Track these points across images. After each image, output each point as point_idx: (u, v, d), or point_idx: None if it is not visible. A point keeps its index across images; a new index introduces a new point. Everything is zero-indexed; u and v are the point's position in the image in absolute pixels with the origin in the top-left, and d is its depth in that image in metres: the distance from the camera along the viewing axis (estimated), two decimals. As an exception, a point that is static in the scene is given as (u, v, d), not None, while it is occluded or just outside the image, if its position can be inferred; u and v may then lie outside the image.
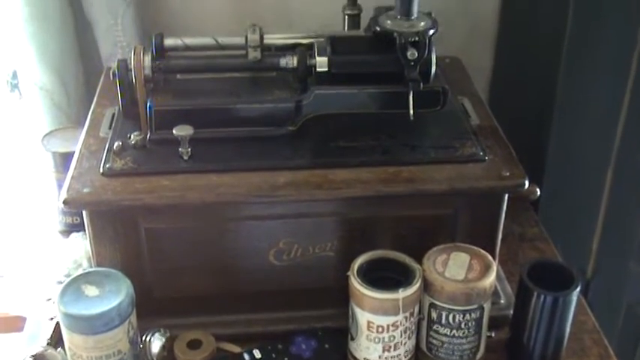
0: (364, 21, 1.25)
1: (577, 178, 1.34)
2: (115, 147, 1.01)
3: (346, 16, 1.28)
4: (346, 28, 1.28)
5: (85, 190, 0.95)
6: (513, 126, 1.40)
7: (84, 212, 0.98)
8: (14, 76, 1.33)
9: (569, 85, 1.25)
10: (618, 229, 1.38)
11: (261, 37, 1.06)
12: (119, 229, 0.98)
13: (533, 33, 1.36)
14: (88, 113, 1.16)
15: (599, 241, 1.39)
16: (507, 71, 1.52)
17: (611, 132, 1.29)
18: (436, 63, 1.07)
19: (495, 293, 1.09)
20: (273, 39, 1.10)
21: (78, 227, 1.19)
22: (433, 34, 1.06)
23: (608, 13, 1.19)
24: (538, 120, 1.34)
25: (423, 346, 1.01)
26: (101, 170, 0.98)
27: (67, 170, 1.01)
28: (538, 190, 1.19)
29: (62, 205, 0.95)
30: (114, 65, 1.05)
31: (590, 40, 1.21)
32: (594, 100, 1.27)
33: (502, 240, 1.06)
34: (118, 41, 1.34)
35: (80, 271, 1.04)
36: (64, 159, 1.16)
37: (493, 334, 1.05)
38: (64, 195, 0.95)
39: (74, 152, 1.05)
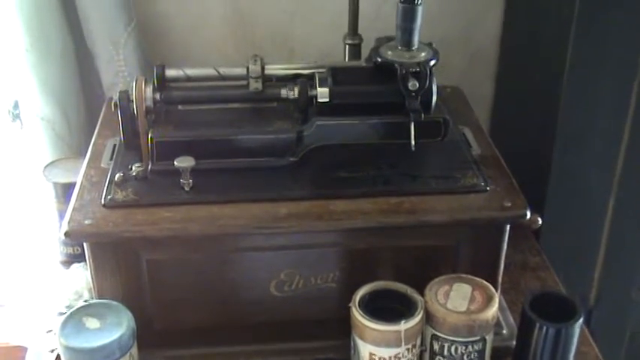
0: (364, 51, 1.26)
1: (579, 206, 1.34)
2: (116, 178, 1.01)
3: (347, 46, 1.29)
4: (347, 57, 1.29)
5: (87, 222, 0.95)
6: (515, 154, 1.41)
7: (85, 244, 0.98)
8: (16, 106, 1.33)
9: (571, 113, 1.25)
10: (620, 257, 1.38)
11: (263, 68, 1.07)
12: (120, 261, 0.98)
13: (534, 61, 1.37)
14: (89, 143, 1.16)
15: (601, 269, 1.39)
16: (508, 99, 1.53)
17: (613, 160, 1.29)
18: (437, 93, 1.07)
19: (498, 324, 1.08)
20: (274, 69, 1.10)
21: (79, 258, 1.19)
22: (434, 64, 1.06)
23: (609, 41, 1.20)
24: (539, 148, 1.34)
25: (426, 378, 1.00)
26: (102, 202, 0.98)
27: (69, 201, 1.01)
28: (540, 219, 1.18)
29: (63, 237, 0.95)
30: (115, 96, 1.05)
31: (592, 68, 1.22)
32: (596, 128, 1.27)
33: (504, 269, 1.06)
34: (119, 71, 1.34)
35: (81, 302, 1.04)
36: (66, 189, 1.16)
37: (496, 366, 1.04)
38: (65, 227, 0.94)
39: (75, 183, 1.05)
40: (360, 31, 1.31)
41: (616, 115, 1.26)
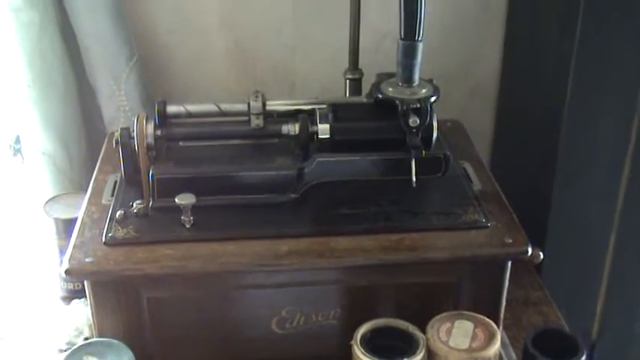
0: (365, 85, 1.26)
1: (580, 240, 1.34)
2: (117, 215, 1.01)
3: (347, 81, 1.29)
4: (347, 92, 1.30)
5: (87, 260, 0.95)
6: (515, 187, 1.41)
7: (86, 282, 0.98)
8: (17, 140, 1.33)
9: (571, 147, 1.26)
10: (622, 291, 1.38)
11: (264, 105, 1.07)
12: (121, 299, 0.98)
13: (534, 95, 1.37)
14: (90, 177, 1.16)
15: (603, 303, 1.39)
16: (509, 133, 1.53)
17: (614, 194, 1.29)
18: (437, 127, 1.07)
19: (500, 360, 1.08)
20: (275, 105, 1.10)
21: (80, 293, 1.18)
22: (435, 101, 1.06)
23: (609, 75, 1.20)
24: (540, 181, 1.34)
25: (428, 416, 1.00)
26: (103, 239, 0.98)
27: (70, 236, 1.01)
28: (541, 254, 1.18)
29: (64, 275, 0.95)
30: (117, 133, 1.05)
31: (592, 102, 1.22)
32: (596, 162, 1.27)
33: (506, 305, 1.06)
34: (120, 105, 1.35)
35: (81, 339, 1.03)
36: (67, 225, 1.16)
37: (498, 403, 1.04)
38: (65, 265, 0.94)
39: (76, 218, 1.05)
40: (360, 65, 1.31)
41: (616, 149, 1.26)
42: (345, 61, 1.31)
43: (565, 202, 1.29)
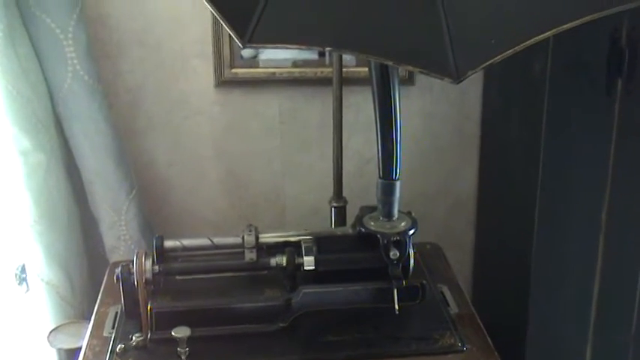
0: (349, 210, 1.34)
1: (558, 352, 1.39)
2: (117, 349, 1.08)
3: (332, 209, 1.38)
4: (333, 219, 1.38)
5: (88, 399, 1.01)
6: (496, 301, 1.48)
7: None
8: (22, 270, 1.39)
9: (543, 265, 1.33)
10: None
11: (257, 238, 1.16)
12: None
13: (508, 212, 1.45)
14: (92, 303, 1.23)
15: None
16: (488, 247, 1.61)
17: (586, 310, 1.36)
18: (417, 251, 1.16)
19: None
20: (266, 238, 1.18)
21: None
22: (413, 233, 1.15)
23: (574, 198, 1.29)
24: (518, 297, 1.40)
25: None
26: (104, 375, 1.05)
27: (72, 366, 1.07)
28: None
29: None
30: (117, 270, 1.13)
31: (558, 222, 1.31)
32: (568, 278, 1.34)
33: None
34: (120, 235, 1.43)
35: None
36: (70, 355, 1.22)
37: None
38: (68, 404, 1.01)
39: (79, 348, 1.11)
40: (345, 188, 1.39)
41: (586, 266, 1.33)
42: (331, 185, 1.40)
43: (540, 319, 1.36)
